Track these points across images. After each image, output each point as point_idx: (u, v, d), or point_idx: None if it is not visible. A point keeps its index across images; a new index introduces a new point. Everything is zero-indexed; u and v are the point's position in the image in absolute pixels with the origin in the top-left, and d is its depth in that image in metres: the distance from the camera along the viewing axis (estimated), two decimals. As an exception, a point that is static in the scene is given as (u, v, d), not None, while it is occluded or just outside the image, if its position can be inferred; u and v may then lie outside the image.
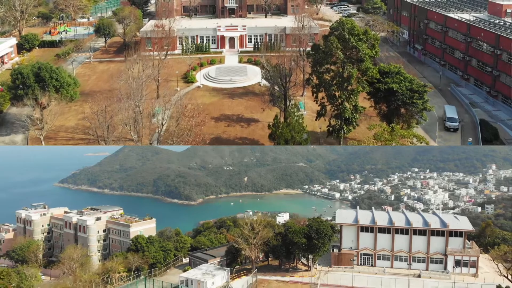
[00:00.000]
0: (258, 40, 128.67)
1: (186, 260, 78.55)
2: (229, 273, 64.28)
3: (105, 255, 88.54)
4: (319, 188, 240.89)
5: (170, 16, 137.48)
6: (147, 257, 72.95)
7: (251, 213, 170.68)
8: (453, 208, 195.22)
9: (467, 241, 66.76)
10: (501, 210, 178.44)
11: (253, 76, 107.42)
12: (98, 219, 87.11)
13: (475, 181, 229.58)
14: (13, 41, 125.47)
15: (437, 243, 64.68)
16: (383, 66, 76.67)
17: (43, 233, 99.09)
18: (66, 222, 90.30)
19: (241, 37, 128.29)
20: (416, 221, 66.41)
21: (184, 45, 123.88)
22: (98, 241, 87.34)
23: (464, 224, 66.69)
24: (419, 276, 62.69)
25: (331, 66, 70.58)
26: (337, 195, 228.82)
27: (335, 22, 71.26)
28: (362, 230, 66.47)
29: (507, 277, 56.77)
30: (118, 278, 69.58)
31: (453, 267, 63.99)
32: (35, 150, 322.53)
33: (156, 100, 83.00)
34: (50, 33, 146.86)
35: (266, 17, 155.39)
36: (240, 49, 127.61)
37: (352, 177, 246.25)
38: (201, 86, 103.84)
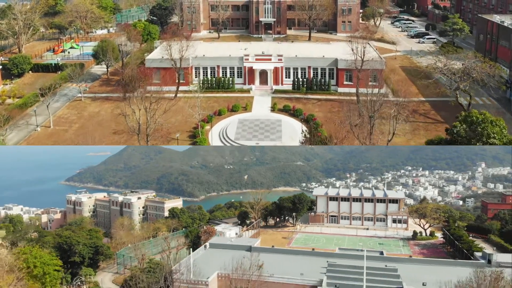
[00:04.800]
0: (299, 74, 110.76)
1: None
2: (240, 229, 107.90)
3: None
4: (316, 186, 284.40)
5: (196, 31, 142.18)
6: (181, 222, 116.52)
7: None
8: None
9: (403, 206, 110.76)
10: (480, 203, 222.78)
11: (290, 139, 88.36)
12: (139, 198, 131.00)
13: (464, 179, 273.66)
14: None
15: (380, 207, 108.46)
16: None
17: (89, 212, 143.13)
18: (113, 201, 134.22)
19: (275, 70, 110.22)
20: (367, 194, 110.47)
21: (197, 83, 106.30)
22: (139, 215, 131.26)
23: (399, 195, 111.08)
24: (367, 229, 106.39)
25: None
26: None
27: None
28: (330, 200, 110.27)
29: (419, 225, 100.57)
30: (161, 234, 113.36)
31: (391, 223, 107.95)
32: (36, 150, 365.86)
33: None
34: (53, 51, 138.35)
35: (309, 37, 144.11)
36: (274, 87, 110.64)
37: (348, 175, 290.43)
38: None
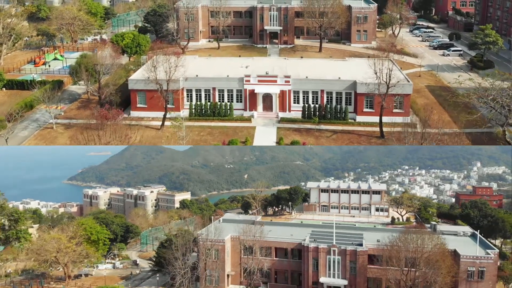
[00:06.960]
0: (310, 99, 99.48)
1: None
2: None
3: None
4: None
5: (195, 40, 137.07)
6: (191, 212, 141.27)
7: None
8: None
9: (385, 196, 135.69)
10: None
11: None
12: (152, 192, 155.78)
13: (459, 177, 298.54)
14: None
15: (365, 198, 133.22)
16: None
17: (105, 205, 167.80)
18: (128, 194, 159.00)
19: (282, 94, 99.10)
20: (353, 186, 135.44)
21: (181, 118, 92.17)
22: (152, 206, 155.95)
23: (381, 187, 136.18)
24: (353, 216, 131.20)
25: None
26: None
27: None
28: (321, 191, 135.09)
29: (397, 212, 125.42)
30: (174, 223, 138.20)
31: (374, 211, 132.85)
32: (37, 150, 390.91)
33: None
34: (34, 62, 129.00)
35: (320, 48, 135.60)
36: (280, 114, 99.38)
37: (346, 175, 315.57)
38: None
